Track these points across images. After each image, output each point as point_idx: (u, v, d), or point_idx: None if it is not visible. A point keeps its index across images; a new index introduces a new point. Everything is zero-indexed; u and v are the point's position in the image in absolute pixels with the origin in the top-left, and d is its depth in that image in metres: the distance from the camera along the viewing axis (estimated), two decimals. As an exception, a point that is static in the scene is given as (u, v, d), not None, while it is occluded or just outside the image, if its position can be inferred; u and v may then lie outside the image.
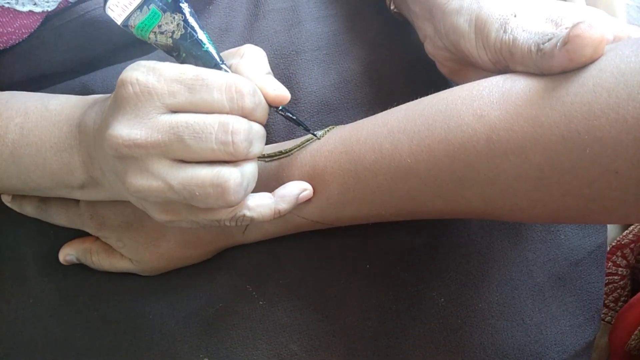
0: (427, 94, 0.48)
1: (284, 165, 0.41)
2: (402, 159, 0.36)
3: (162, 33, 0.37)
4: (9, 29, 0.44)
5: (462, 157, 0.34)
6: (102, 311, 0.44)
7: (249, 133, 0.34)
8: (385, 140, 0.37)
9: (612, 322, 0.55)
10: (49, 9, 0.45)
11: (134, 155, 0.33)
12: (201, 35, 0.37)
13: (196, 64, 0.36)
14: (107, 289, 0.45)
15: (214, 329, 0.42)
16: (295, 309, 0.43)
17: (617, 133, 0.29)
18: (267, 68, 0.37)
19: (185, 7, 0.37)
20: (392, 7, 0.50)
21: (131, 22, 0.37)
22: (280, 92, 0.36)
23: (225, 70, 0.36)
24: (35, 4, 0.38)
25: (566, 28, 0.35)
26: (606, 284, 0.55)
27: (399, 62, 0.50)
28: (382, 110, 0.48)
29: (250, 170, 0.35)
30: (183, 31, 0.36)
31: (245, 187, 0.34)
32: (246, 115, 0.34)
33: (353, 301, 0.43)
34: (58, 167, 0.39)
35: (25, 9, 0.37)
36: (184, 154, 0.33)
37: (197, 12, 0.52)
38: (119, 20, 0.37)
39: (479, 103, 0.34)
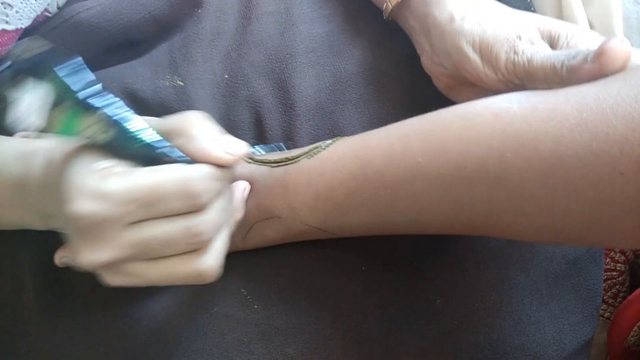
0: (424, 95, 0.48)
1: (289, 171, 0.41)
2: (413, 158, 0.36)
3: (90, 137, 0.32)
4: (-17, 48, 0.43)
5: (475, 153, 0.34)
6: (97, 317, 0.44)
7: (214, 226, 0.34)
8: (397, 143, 0.37)
9: (611, 319, 0.55)
10: (23, 26, 0.44)
11: (107, 268, 0.33)
12: (135, 124, 0.32)
13: (138, 158, 0.33)
14: (102, 295, 0.44)
15: (209, 333, 0.42)
16: (291, 312, 0.42)
17: (623, 129, 0.30)
18: (214, 131, 0.36)
19: (102, 102, 0.31)
20: (386, 17, 0.49)
21: (52, 128, 0.31)
22: (237, 153, 0.35)
23: (177, 157, 0.33)
24: (7, 22, 0.37)
25: (567, 46, 0.39)
26: (605, 280, 0.55)
27: (395, 62, 0.50)
28: (378, 112, 0.48)
29: (221, 245, 0.36)
30: (112, 131, 0.32)
31: (220, 261, 0.36)
32: (204, 204, 0.33)
33: (349, 303, 0.43)
34: (17, 218, 0.40)
35: None
36: (156, 256, 0.34)
37: (186, 16, 0.52)
38: (39, 126, 0.31)
39: (499, 104, 0.35)
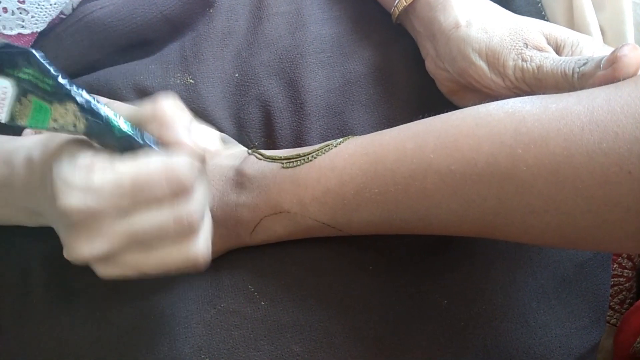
0: (433, 96, 0.49)
1: (300, 167, 0.41)
2: (425, 155, 0.36)
3: (62, 127, 0.32)
4: (0, 52, 0.45)
5: (486, 149, 0.34)
6: (103, 312, 0.44)
7: (200, 211, 0.34)
8: (409, 141, 0.38)
9: (618, 325, 0.55)
10: (39, 30, 0.45)
11: (102, 260, 0.34)
12: (108, 116, 0.32)
13: (112, 146, 0.33)
14: (109, 289, 0.45)
15: (216, 329, 0.42)
16: (297, 309, 0.42)
17: (632, 129, 0.30)
18: (187, 116, 0.36)
19: (75, 92, 0.32)
20: (394, 21, 0.50)
21: (19, 120, 0.31)
22: (209, 148, 0.36)
23: (150, 145, 0.34)
24: (23, 27, 0.38)
25: (572, 53, 0.40)
26: (611, 286, 0.55)
27: (404, 63, 0.50)
28: (387, 112, 0.48)
29: (207, 230, 0.36)
30: (84, 121, 0.32)
31: (209, 246, 0.36)
32: (188, 193, 0.34)
33: (355, 302, 0.43)
34: (7, 217, 0.42)
35: (14, 32, 0.37)
36: (147, 248, 0.34)
37: (198, 16, 0.52)
38: (3, 119, 0.31)
39: (512, 104, 0.35)
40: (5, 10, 0.37)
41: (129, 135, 0.33)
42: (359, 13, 0.53)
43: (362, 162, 0.39)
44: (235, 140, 0.48)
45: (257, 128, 0.49)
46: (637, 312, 0.51)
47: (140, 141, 0.33)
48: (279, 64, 0.50)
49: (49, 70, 0.31)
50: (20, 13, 0.38)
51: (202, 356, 0.41)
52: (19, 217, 0.41)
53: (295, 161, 0.41)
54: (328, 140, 0.43)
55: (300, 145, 0.47)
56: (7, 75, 0.30)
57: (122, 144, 0.33)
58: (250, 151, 0.44)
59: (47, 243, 0.46)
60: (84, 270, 0.44)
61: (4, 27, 0.39)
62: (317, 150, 0.41)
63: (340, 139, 0.42)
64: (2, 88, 0.30)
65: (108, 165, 0.33)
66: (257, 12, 0.53)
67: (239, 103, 0.49)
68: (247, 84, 0.50)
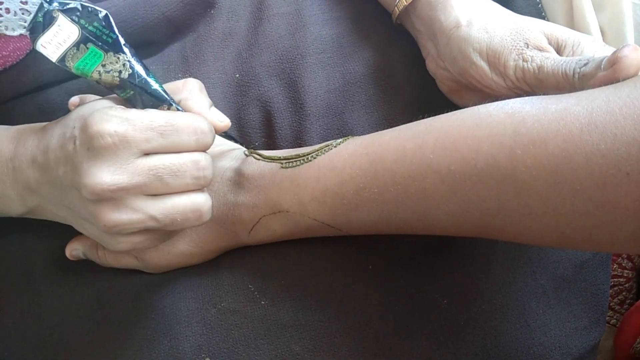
0: (433, 96, 0.49)
1: (300, 166, 0.42)
2: (425, 155, 0.36)
3: (107, 72, 0.38)
4: (4, 52, 0.46)
5: (485, 150, 0.34)
6: (105, 310, 0.44)
7: (211, 164, 0.39)
8: (409, 141, 0.38)
9: (618, 325, 0.55)
10: None
11: (114, 197, 0.35)
12: (148, 71, 0.39)
13: (142, 102, 0.39)
14: (110, 287, 0.45)
15: (216, 328, 0.42)
16: (298, 309, 0.42)
17: (631, 131, 0.30)
18: (209, 100, 0.43)
19: (127, 48, 0.38)
20: (394, 21, 0.50)
21: (68, 60, 0.37)
22: (226, 123, 0.42)
23: (177, 108, 0.39)
24: (24, 27, 0.39)
25: (573, 53, 0.40)
26: (611, 287, 0.55)
27: (404, 63, 0.50)
28: (387, 113, 0.48)
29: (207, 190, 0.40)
30: (130, 70, 0.38)
31: (211, 204, 0.40)
32: (206, 149, 0.38)
33: (355, 302, 0.43)
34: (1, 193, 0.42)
35: (16, 33, 0.38)
36: (161, 190, 0.37)
37: (199, 17, 0.53)
38: (53, 58, 0.37)
39: (512, 104, 0.35)
40: (7, 11, 0.38)
41: (160, 93, 0.39)
42: (359, 13, 0.53)
43: (362, 162, 0.39)
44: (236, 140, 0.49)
45: (258, 128, 0.49)
46: (637, 312, 0.52)
47: (170, 102, 0.39)
48: (279, 65, 0.50)
49: (114, 29, 0.38)
50: (23, 14, 0.38)
51: (202, 355, 0.41)
52: (12, 194, 0.41)
53: (295, 161, 0.42)
54: (328, 140, 0.43)
55: (300, 146, 0.47)
56: (78, 24, 0.37)
57: (150, 102, 0.39)
58: (247, 152, 0.44)
59: (50, 242, 0.47)
60: (86, 269, 0.45)
61: (7, 28, 0.40)
62: (317, 151, 0.41)
63: (340, 139, 0.42)
64: (69, 33, 0.37)
65: (142, 109, 0.37)
66: (258, 13, 0.53)
67: (240, 103, 0.49)
68: (248, 84, 0.50)
